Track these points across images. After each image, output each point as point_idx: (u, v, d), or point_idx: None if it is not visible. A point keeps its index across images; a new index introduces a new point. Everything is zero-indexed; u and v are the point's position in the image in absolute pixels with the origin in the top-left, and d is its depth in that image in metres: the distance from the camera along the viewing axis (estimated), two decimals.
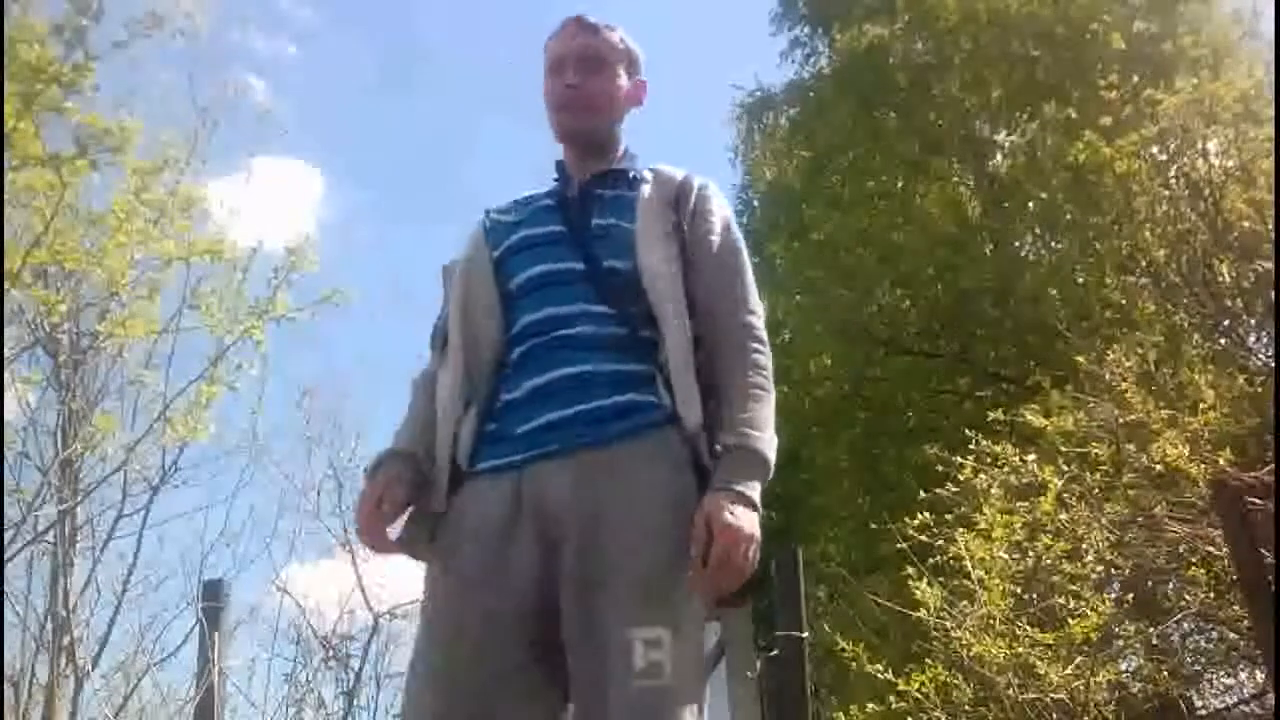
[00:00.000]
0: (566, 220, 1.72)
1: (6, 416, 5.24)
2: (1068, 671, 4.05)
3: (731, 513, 1.44)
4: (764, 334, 1.66)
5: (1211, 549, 4.32)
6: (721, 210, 1.76)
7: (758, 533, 1.46)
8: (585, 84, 1.76)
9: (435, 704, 1.48)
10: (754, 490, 1.49)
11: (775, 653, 4.06)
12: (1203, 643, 5.61)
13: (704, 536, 1.43)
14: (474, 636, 1.48)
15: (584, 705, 1.46)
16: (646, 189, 1.74)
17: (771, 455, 1.54)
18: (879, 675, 4.33)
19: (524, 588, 1.50)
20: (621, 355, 1.60)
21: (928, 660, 4.32)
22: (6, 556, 4.73)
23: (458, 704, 1.46)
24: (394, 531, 1.61)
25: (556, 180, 1.82)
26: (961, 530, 4.46)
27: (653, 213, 1.70)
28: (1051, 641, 4.11)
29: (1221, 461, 4.27)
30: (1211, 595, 4.53)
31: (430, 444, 1.65)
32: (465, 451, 1.61)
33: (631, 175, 1.78)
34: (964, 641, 4.18)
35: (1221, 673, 5.53)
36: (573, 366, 1.58)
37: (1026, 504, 4.50)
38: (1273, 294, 5.31)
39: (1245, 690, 5.44)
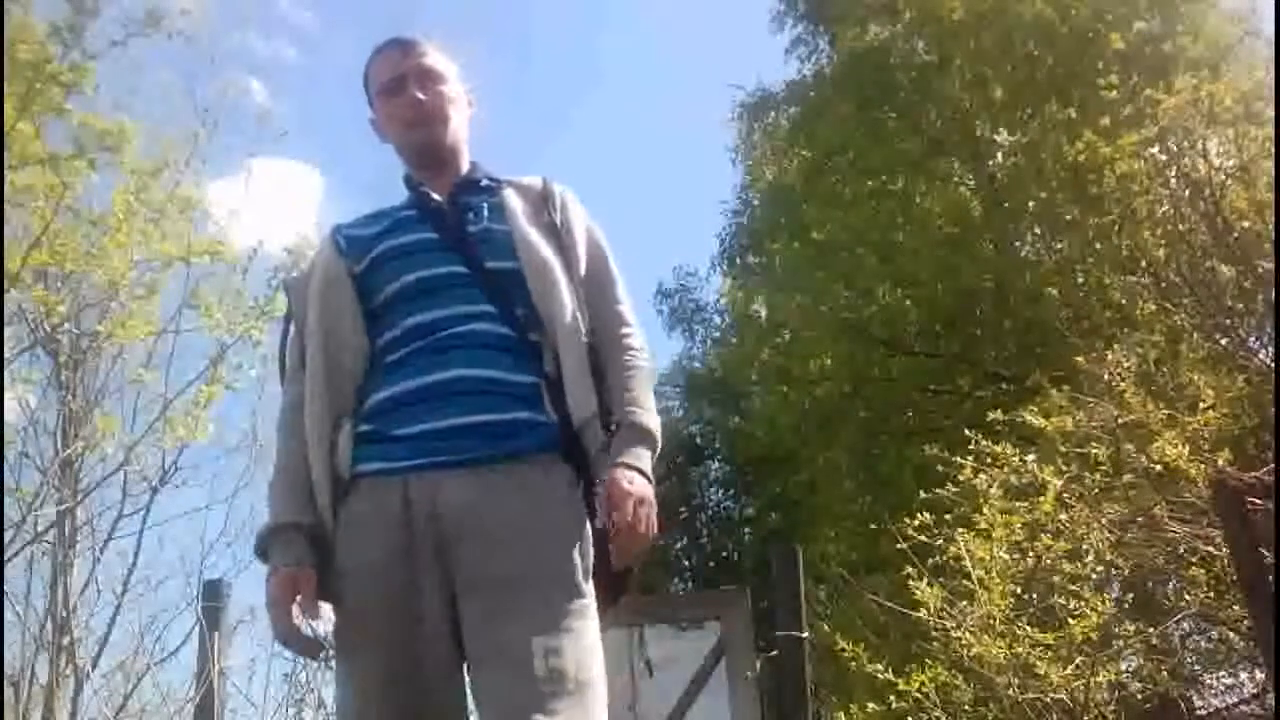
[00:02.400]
0: (439, 228, 1.71)
1: (6, 416, 5.25)
2: (1068, 671, 4.04)
3: (630, 480, 1.54)
4: (632, 316, 1.76)
5: (1211, 549, 4.31)
6: (581, 208, 1.82)
7: (652, 497, 1.57)
8: (433, 97, 1.77)
9: None
10: (645, 461, 1.60)
11: (775, 653, 4.07)
12: (1203, 643, 5.61)
13: (609, 506, 1.52)
14: (407, 670, 1.48)
15: (489, 713, 1.45)
16: (510, 192, 1.77)
17: (657, 429, 1.65)
18: (879, 675, 4.32)
19: (433, 605, 1.49)
20: (512, 361, 1.60)
21: (928, 660, 4.31)
22: (6, 556, 4.74)
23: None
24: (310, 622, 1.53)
25: (410, 194, 1.80)
26: (961, 530, 4.45)
27: (526, 215, 1.73)
28: (1051, 641, 4.11)
29: (1221, 461, 4.26)
30: (1211, 595, 4.52)
31: (311, 492, 1.59)
32: (345, 463, 1.58)
33: (488, 182, 1.80)
34: (964, 641, 4.18)
35: (1221, 673, 5.53)
36: (462, 369, 1.58)
37: (1026, 504, 4.49)
38: (1273, 294, 5.30)
39: (1245, 690, 5.44)
